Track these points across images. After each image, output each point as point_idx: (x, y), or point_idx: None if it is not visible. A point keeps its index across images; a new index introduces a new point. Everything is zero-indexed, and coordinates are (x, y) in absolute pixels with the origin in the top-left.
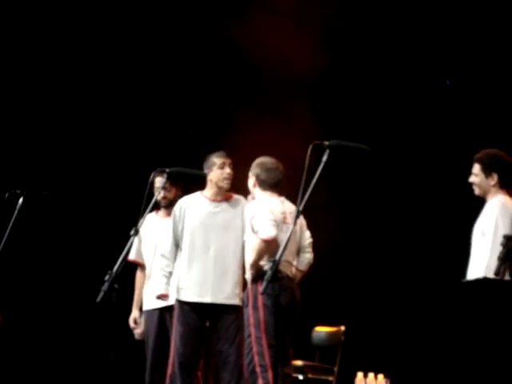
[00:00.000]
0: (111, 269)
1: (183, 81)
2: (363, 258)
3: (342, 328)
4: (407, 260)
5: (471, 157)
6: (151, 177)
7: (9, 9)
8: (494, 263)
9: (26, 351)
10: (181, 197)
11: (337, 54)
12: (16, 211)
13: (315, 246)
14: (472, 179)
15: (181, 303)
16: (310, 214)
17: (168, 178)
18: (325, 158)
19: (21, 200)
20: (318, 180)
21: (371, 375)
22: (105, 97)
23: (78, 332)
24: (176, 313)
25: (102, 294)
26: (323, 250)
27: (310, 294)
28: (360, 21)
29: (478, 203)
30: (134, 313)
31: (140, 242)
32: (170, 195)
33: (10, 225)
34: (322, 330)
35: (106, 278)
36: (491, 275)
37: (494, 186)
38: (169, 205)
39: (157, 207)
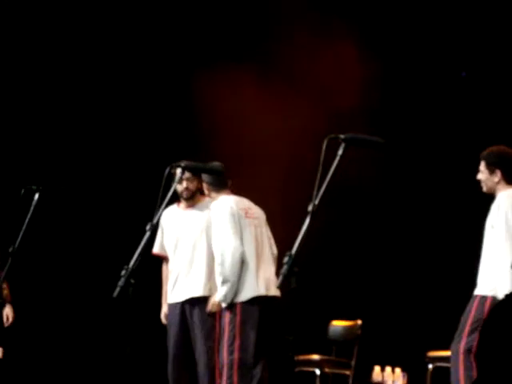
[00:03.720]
0: (127, 264)
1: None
2: (381, 252)
3: (359, 322)
4: (425, 255)
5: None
6: (167, 170)
7: (8, 8)
8: (507, 256)
9: (43, 346)
10: (201, 189)
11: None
12: (32, 207)
13: (333, 241)
14: (479, 176)
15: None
16: (326, 207)
17: (184, 172)
18: (340, 152)
19: (37, 196)
20: (333, 174)
21: (388, 369)
22: (120, 91)
23: (95, 327)
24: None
25: (118, 289)
26: (340, 245)
27: (327, 288)
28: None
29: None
30: (164, 308)
31: (162, 234)
32: (192, 186)
33: (26, 221)
34: (338, 324)
35: (123, 273)
36: (504, 269)
37: (498, 182)
38: (191, 196)
39: (177, 199)
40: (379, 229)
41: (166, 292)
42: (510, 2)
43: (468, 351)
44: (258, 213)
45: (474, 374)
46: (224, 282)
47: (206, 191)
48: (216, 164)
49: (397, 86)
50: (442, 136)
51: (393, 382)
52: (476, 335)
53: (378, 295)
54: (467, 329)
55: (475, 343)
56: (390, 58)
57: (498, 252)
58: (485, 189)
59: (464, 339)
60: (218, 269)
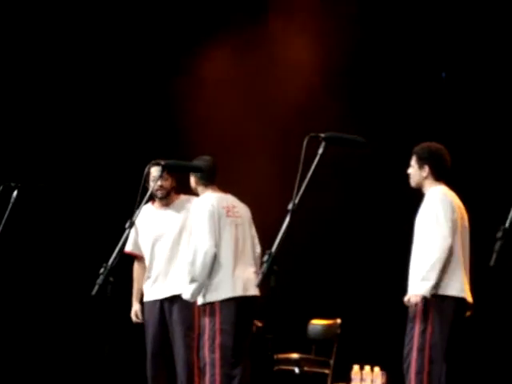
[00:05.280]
0: (106, 262)
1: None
2: (361, 250)
3: (338, 321)
4: (405, 253)
5: (465, 147)
6: (146, 169)
7: (7, 8)
8: (439, 251)
9: (21, 345)
10: (175, 188)
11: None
12: (10, 204)
13: (312, 239)
14: (409, 170)
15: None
16: (307, 206)
17: (163, 170)
18: (321, 151)
19: (15, 193)
20: (313, 173)
21: (367, 368)
22: (99, 90)
23: (73, 325)
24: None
25: (97, 287)
26: (319, 243)
27: (306, 287)
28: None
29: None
30: (135, 306)
31: (137, 233)
32: (167, 184)
33: (5, 218)
34: (317, 323)
35: (101, 271)
36: (434, 263)
37: (426, 177)
38: (166, 195)
39: (152, 198)
40: (359, 227)
41: (138, 290)
42: (489, 3)
43: (420, 351)
44: (242, 211)
45: (425, 375)
46: (192, 281)
47: (193, 185)
48: (203, 158)
49: (376, 89)
50: (422, 137)
51: (372, 380)
52: (426, 335)
53: (357, 294)
54: (417, 330)
55: (427, 340)
56: (368, 60)
57: (427, 250)
58: (412, 183)
59: (416, 340)
60: (187, 267)
